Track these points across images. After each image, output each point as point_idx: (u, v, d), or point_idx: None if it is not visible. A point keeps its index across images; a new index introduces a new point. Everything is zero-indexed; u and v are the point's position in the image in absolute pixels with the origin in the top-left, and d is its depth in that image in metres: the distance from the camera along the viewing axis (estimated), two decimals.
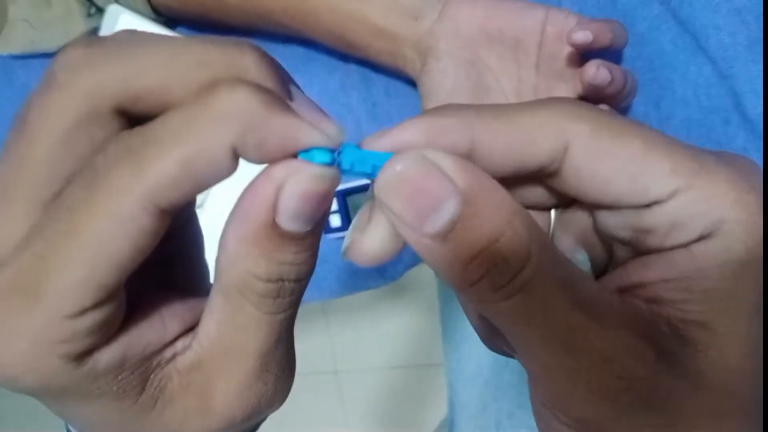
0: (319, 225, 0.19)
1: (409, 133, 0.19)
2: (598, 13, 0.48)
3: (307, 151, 0.18)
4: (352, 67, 0.57)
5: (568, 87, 0.44)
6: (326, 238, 0.59)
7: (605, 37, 0.40)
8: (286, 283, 0.19)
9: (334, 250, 0.60)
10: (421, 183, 0.17)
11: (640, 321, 0.19)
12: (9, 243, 0.17)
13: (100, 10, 0.61)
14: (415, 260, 0.58)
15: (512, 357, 0.23)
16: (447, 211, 0.17)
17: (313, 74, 0.59)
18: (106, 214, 0.16)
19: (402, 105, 0.56)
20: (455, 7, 0.45)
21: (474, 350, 0.64)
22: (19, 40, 0.63)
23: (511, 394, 0.61)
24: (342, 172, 0.19)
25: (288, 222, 0.18)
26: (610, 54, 0.47)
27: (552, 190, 0.21)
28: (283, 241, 0.18)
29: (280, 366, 0.22)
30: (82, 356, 0.18)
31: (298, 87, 0.21)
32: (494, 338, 0.23)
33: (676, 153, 0.18)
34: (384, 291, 1.59)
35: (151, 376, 0.20)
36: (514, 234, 0.17)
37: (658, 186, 0.18)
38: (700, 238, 0.18)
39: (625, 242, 0.20)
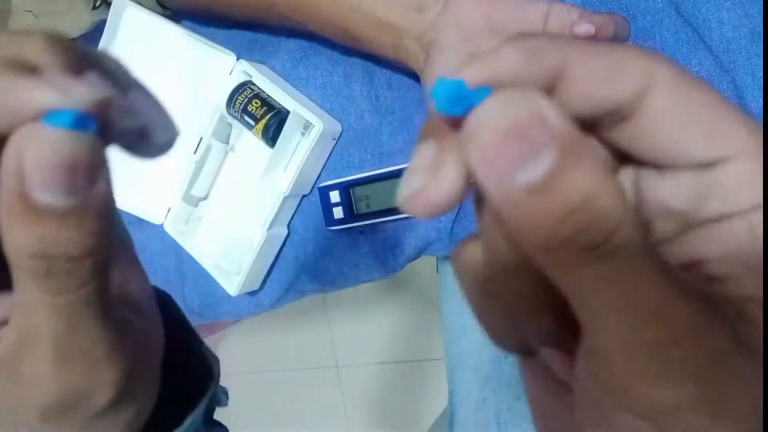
0: (96, 199, 0.18)
1: (506, 58, 0.17)
2: (601, 7, 0.48)
3: (54, 116, 0.17)
4: (355, 60, 0.58)
5: None
6: (328, 231, 0.60)
7: (608, 30, 0.40)
8: (57, 261, 0.18)
9: (336, 243, 0.60)
10: (522, 128, 0.15)
11: (709, 298, 0.17)
12: None
13: (105, 2, 0.62)
14: (416, 253, 0.58)
15: (522, 353, 0.22)
16: (546, 161, 0.15)
17: (316, 67, 0.59)
18: None
19: (404, 97, 0.56)
20: (458, 1, 0.45)
21: (474, 343, 0.64)
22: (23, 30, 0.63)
23: (512, 387, 0.61)
24: (438, 109, 0.17)
25: (40, 193, 0.17)
26: None
27: (607, 148, 0.20)
28: (40, 214, 0.17)
29: (85, 356, 0.21)
30: None
31: (104, 74, 0.20)
32: (508, 334, 0.21)
33: (746, 116, 0.17)
34: (384, 286, 1.60)
35: None
36: (608, 193, 0.15)
37: (731, 141, 0.17)
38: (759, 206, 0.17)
39: (676, 213, 0.19)
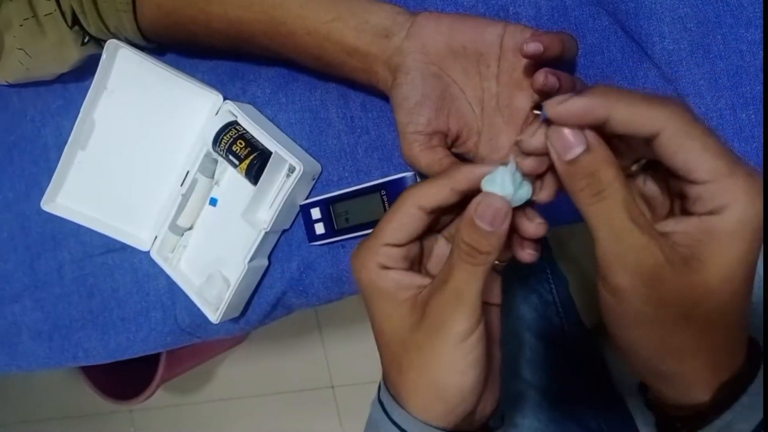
0: (500, 230, 0.35)
1: (578, 107, 0.32)
2: (553, 27, 0.51)
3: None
4: (331, 85, 0.61)
5: (526, 95, 0.47)
6: (311, 247, 0.63)
7: (555, 48, 0.43)
8: (475, 251, 0.36)
9: (319, 258, 0.63)
10: (571, 137, 0.33)
11: (669, 245, 0.32)
12: None
13: (94, 39, 0.65)
14: None
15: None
16: (577, 150, 0.32)
17: (295, 92, 0.63)
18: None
19: (378, 118, 0.59)
20: (421, 26, 0.49)
21: None
22: (14, 68, 0.66)
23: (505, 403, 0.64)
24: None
25: (479, 221, 0.35)
26: (565, 64, 0.51)
27: (638, 151, 0.36)
28: (476, 229, 0.35)
29: (479, 356, 0.38)
30: (386, 268, 0.40)
31: None
32: None
33: (720, 157, 0.31)
34: None
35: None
36: (606, 170, 0.32)
37: (700, 174, 0.31)
38: (711, 212, 0.31)
39: (671, 199, 0.36)
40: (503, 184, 0.35)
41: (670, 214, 0.37)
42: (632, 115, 0.31)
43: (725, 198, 0.31)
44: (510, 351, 0.68)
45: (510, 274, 0.70)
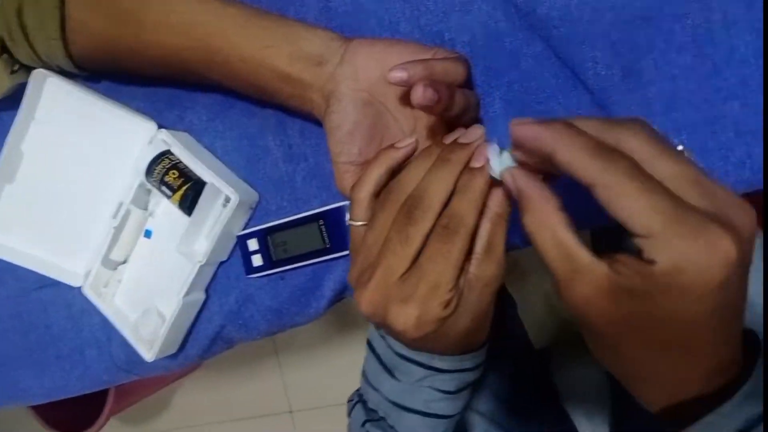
0: None
1: (526, 134, 0.33)
2: (487, 53, 0.51)
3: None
4: (269, 112, 0.59)
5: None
6: (250, 279, 0.60)
7: (420, 75, 0.42)
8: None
9: (257, 290, 0.61)
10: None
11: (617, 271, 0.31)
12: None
13: (24, 67, 0.62)
14: (336, 296, 0.59)
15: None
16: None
17: (233, 120, 0.61)
18: None
19: (317, 145, 0.58)
20: (354, 52, 0.48)
21: None
22: None
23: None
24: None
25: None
26: (500, 91, 0.50)
27: None
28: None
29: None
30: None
31: None
32: None
33: (654, 214, 0.29)
34: (334, 326, 1.59)
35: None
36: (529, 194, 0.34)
37: (631, 229, 0.30)
38: (646, 261, 0.30)
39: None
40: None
41: None
42: (568, 165, 0.31)
43: (657, 256, 0.29)
44: None
45: None
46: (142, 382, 1.52)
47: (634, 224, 0.29)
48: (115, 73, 0.66)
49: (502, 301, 0.72)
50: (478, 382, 0.51)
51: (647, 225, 0.29)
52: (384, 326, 0.39)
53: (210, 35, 0.51)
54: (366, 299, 0.39)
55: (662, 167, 0.31)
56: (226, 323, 0.62)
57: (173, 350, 0.64)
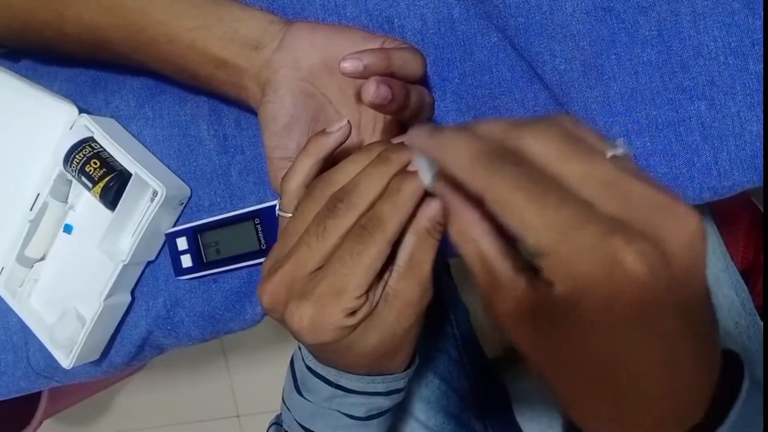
0: None
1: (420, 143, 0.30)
2: (439, 41, 0.47)
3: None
4: (202, 99, 0.55)
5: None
6: (178, 282, 0.55)
7: (380, 64, 0.39)
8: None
9: (188, 293, 0.56)
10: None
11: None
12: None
13: None
14: None
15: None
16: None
17: (163, 106, 0.56)
18: None
19: (254, 136, 0.53)
20: (294, 37, 0.43)
21: None
22: None
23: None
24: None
25: None
26: (452, 83, 0.47)
27: None
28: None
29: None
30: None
31: None
32: None
33: (542, 230, 0.24)
34: (283, 330, 1.54)
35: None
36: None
37: (524, 244, 0.25)
38: (546, 282, 0.25)
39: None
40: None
41: None
42: (457, 176, 0.27)
43: (554, 276, 0.25)
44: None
45: None
46: (79, 384, 1.45)
47: (525, 241, 0.25)
48: (36, 52, 0.60)
49: (445, 308, 0.69)
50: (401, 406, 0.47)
51: (536, 241, 0.24)
52: (282, 324, 0.35)
53: (135, 12, 0.46)
54: (267, 291, 0.34)
55: (569, 169, 0.25)
56: (153, 329, 0.57)
57: (95, 357, 0.58)
